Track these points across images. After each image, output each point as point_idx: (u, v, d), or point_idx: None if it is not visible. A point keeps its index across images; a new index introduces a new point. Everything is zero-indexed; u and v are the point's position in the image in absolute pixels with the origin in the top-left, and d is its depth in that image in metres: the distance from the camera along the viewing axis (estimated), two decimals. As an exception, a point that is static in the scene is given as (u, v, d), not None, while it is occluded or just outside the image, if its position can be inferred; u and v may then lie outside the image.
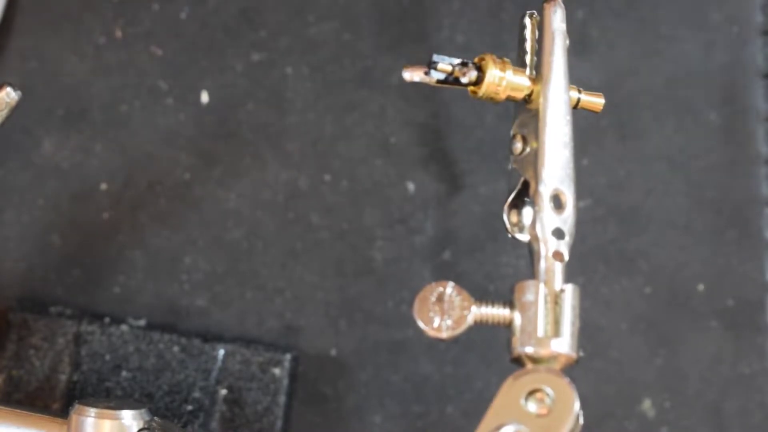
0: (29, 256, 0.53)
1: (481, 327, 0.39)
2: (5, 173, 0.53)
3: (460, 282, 0.39)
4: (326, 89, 0.53)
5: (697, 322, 0.51)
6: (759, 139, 0.52)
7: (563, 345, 0.38)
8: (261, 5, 0.53)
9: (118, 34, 0.54)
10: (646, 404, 0.51)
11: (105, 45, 0.53)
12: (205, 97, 0.53)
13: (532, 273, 0.39)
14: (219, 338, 0.52)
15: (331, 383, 0.52)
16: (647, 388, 0.51)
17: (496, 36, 0.53)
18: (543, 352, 0.38)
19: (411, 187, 0.52)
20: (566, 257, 0.39)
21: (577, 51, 0.52)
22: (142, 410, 0.44)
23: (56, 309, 0.52)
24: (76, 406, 0.44)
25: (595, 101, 0.44)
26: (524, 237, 0.41)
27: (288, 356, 0.51)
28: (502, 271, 0.52)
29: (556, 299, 0.38)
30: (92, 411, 0.43)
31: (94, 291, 0.53)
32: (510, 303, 0.39)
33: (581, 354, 0.39)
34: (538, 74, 0.42)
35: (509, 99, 0.42)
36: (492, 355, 0.52)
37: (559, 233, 0.40)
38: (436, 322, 0.38)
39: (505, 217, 0.42)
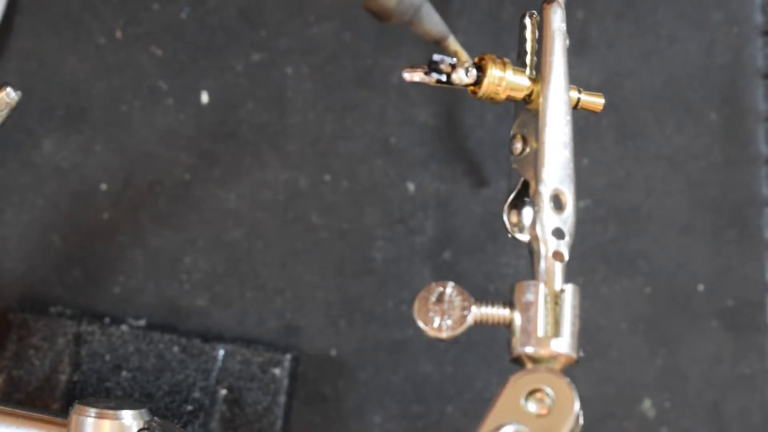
0: (29, 256, 0.53)
1: (481, 327, 0.39)
2: (5, 173, 0.53)
3: (460, 282, 0.39)
4: (326, 89, 0.53)
5: (697, 322, 0.51)
6: (759, 139, 0.52)
7: (563, 345, 0.38)
8: (261, 5, 0.53)
9: (118, 34, 0.54)
10: (646, 404, 0.51)
11: (105, 45, 0.53)
12: (205, 97, 0.53)
13: (532, 273, 0.39)
14: (219, 338, 0.52)
15: (331, 383, 0.52)
16: (647, 388, 0.51)
17: (496, 36, 0.53)
18: (543, 352, 0.38)
19: (411, 187, 0.52)
20: (566, 257, 0.39)
21: (577, 51, 0.52)
22: (142, 410, 0.44)
23: (56, 309, 0.52)
24: (76, 406, 0.44)
25: (595, 101, 0.44)
26: (524, 237, 0.41)
27: (288, 356, 0.51)
28: (502, 271, 0.52)
29: (556, 299, 0.38)
30: (92, 411, 0.43)
31: (94, 291, 0.53)
32: (510, 303, 0.39)
33: (581, 354, 0.39)
34: (538, 74, 0.42)
35: (509, 99, 0.42)
36: (492, 355, 0.52)
37: (559, 233, 0.40)
38: (436, 322, 0.38)
39: (505, 217, 0.42)
